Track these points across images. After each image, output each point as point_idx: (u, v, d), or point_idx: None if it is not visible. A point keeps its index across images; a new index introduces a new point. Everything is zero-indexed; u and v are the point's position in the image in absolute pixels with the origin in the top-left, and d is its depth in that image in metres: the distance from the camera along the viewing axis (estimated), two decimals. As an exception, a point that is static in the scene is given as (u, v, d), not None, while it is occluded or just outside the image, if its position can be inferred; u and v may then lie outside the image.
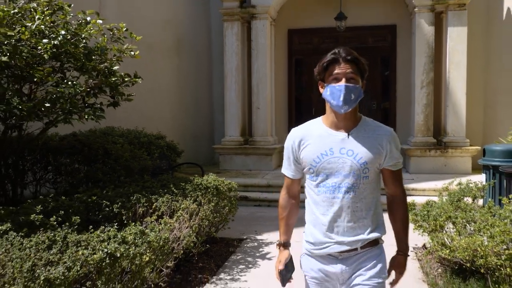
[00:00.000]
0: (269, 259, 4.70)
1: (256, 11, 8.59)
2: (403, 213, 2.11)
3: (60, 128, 4.94)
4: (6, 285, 2.40)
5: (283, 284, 2.13)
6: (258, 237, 5.49)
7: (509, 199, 3.93)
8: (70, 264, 2.62)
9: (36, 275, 2.49)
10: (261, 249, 5.04)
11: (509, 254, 3.17)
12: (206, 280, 4.11)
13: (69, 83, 4.26)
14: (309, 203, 2.07)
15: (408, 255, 2.10)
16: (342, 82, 1.91)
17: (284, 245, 2.20)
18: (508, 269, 3.20)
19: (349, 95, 1.90)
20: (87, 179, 5.16)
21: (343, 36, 8.94)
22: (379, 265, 2.01)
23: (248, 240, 5.37)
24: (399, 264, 2.09)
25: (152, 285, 3.25)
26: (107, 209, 3.89)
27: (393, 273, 2.10)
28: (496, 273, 3.37)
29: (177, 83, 9.00)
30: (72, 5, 4.53)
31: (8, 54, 3.73)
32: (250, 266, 4.51)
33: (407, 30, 8.97)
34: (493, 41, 8.53)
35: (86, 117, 4.33)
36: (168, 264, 3.53)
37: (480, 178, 5.48)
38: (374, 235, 2.00)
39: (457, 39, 8.00)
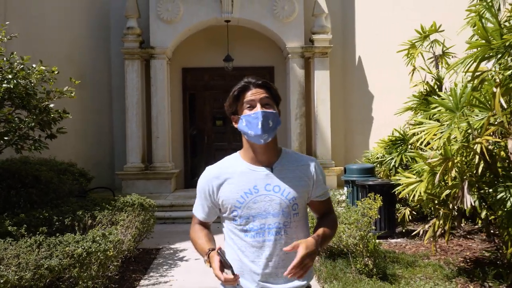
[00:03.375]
0: (186, 260, 5.80)
1: (154, 51, 9.70)
2: (333, 221, 1.97)
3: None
4: (22, 272, 3.25)
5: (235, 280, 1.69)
6: (172, 246, 6.54)
7: (361, 201, 5.54)
8: (61, 256, 3.54)
9: (39, 264, 3.38)
10: (177, 254, 6.11)
11: (360, 235, 4.71)
12: (140, 278, 5.10)
13: (16, 119, 5.05)
14: (232, 248, 1.84)
15: (317, 249, 1.77)
16: (258, 109, 1.77)
17: (212, 250, 1.78)
18: (361, 246, 4.74)
19: (267, 122, 1.75)
20: (21, 202, 5.81)
21: (230, 75, 10.37)
22: None
23: (164, 248, 6.40)
24: (307, 242, 1.73)
25: (109, 274, 4.22)
26: (58, 223, 4.73)
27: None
28: (354, 251, 4.89)
29: (81, 116, 9.65)
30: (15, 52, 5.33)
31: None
32: (172, 266, 5.57)
33: (283, 71, 10.72)
34: (349, 81, 10.62)
35: (32, 148, 5.12)
36: (115, 263, 4.50)
37: (342, 191, 7.22)
38: (307, 280, 1.85)
39: (322, 80, 9.90)
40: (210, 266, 1.74)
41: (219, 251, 1.72)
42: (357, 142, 10.45)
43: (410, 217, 6.63)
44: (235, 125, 1.87)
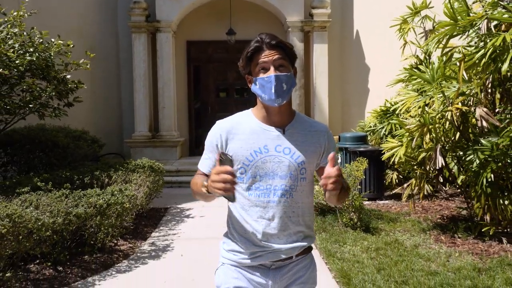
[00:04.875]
0: (192, 217, 6.42)
1: (160, 25, 10.15)
2: (346, 184, 1.80)
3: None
4: (54, 218, 3.86)
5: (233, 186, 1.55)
6: (179, 206, 7.17)
7: (350, 164, 6.10)
8: (86, 206, 4.14)
9: (68, 211, 3.99)
10: (183, 213, 6.73)
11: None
12: (151, 231, 5.73)
13: (38, 88, 5.60)
14: (235, 208, 1.83)
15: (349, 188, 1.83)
16: (271, 72, 1.70)
17: None
18: (347, 203, 5.33)
19: (281, 86, 1.70)
20: (41, 164, 6.42)
21: (233, 47, 10.81)
22: (313, 275, 1.90)
23: (172, 208, 7.03)
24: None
25: (125, 224, 4.84)
26: (78, 181, 5.33)
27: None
28: (341, 207, 5.49)
29: (90, 87, 10.17)
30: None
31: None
32: (179, 222, 6.20)
33: (283, 44, 11.15)
34: (346, 55, 11.07)
35: (53, 114, 5.69)
36: (130, 216, 5.12)
37: (339, 156, 7.78)
38: (309, 241, 1.86)
39: (320, 53, 10.35)
40: (208, 192, 1.64)
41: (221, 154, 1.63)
42: (353, 113, 10.97)
43: (397, 180, 7.20)
44: (250, 86, 1.81)
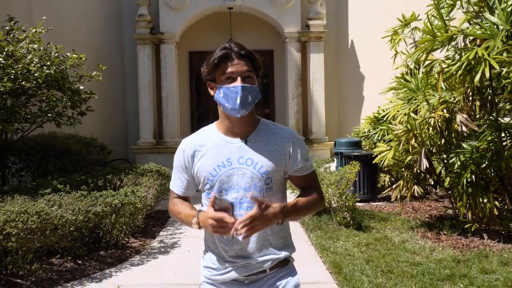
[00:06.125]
0: (197, 218, 6.85)
1: (164, 37, 10.64)
2: (311, 196, 1.83)
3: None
4: (76, 215, 4.30)
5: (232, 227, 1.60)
6: (184, 208, 7.58)
7: (343, 167, 6.54)
8: (103, 205, 4.59)
9: (88, 210, 4.43)
10: (188, 214, 7.15)
11: (339, 192, 5.73)
12: (159, 230, 6.16)
13: (54, 99, 6.06)
14: None
15: (281, 220, 1.71)
16: (238, 82, 1.68)
17: (200, 211, 1.77)
18: (340, 202, 5.77)
19: (246, 97, 1.68)
20: (55, 169, 6.87)
21: (233, 58, 11.27)
22: (294, 282, 1.81)
23: (177, 210, 7.45)
24: (273, 207, 1.66)
25: (137, 223, 5.29)
26: (92, 184, 5.77)
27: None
28: (336, 207, 5.92)
29: (98, 96, 10.62)
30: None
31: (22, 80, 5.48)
32: (185, 222, 6.63)
33: (281, 54, 11.63)
34: (342, 63, 11.55)
35: (68, 123, 6.15)
36: (141, 215, 5.56)
37: (333, 163, 8.23)
38: (283, 253, 1.79)
39: (317, 62, 10.83)
40: (200, 228, 1.72)
41: (215, 198, 1.65)
42: (349, 119, 11.43)
43: (389, 183, 7.63)
44: (211, 92, 1.78)
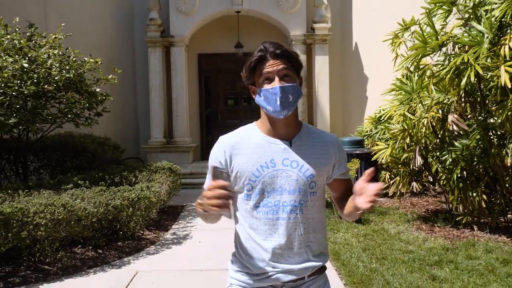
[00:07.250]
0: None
1: (174, 40, 11.07)
2: None
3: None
4: (97, 208, 4.72)
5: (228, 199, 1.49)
6: (194, 204, 7.98)
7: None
8: (121, 199, 5.01)
9: (107, 203, 4.85)
10: (198, 209, 7.57)
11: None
12: (172, 224, 6.59)
13: (73, 101, 6.49)
14: (243, 227, 1.74)
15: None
16: (276, 83, 1.63)
17: None
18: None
19: (286, 97, 1.63)
20: (73, 167, 7.31)
21: (241, 59, 11.67)
22: None
23: (188, 205, 7.89)
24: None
25: (151, 217, 5.71)
26: (109, 180, 6.20)
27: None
28: (336, 202, 6.30)
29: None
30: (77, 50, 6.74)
31: (46, 83, 5.91)
32: (195, 217, 7.03)
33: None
34: (346, 65, 11.92)
35: (86, 123, 6.58)
36: (155, 209, 5.97)
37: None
38: (322, 260, 1.76)
39: (322, 64, 11.21)
40: (205, 211, 1.61)
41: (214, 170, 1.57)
42: (353, 119, 11.80)
43: (389, 179, 7.99)
44: (253, 96, 1.74)
